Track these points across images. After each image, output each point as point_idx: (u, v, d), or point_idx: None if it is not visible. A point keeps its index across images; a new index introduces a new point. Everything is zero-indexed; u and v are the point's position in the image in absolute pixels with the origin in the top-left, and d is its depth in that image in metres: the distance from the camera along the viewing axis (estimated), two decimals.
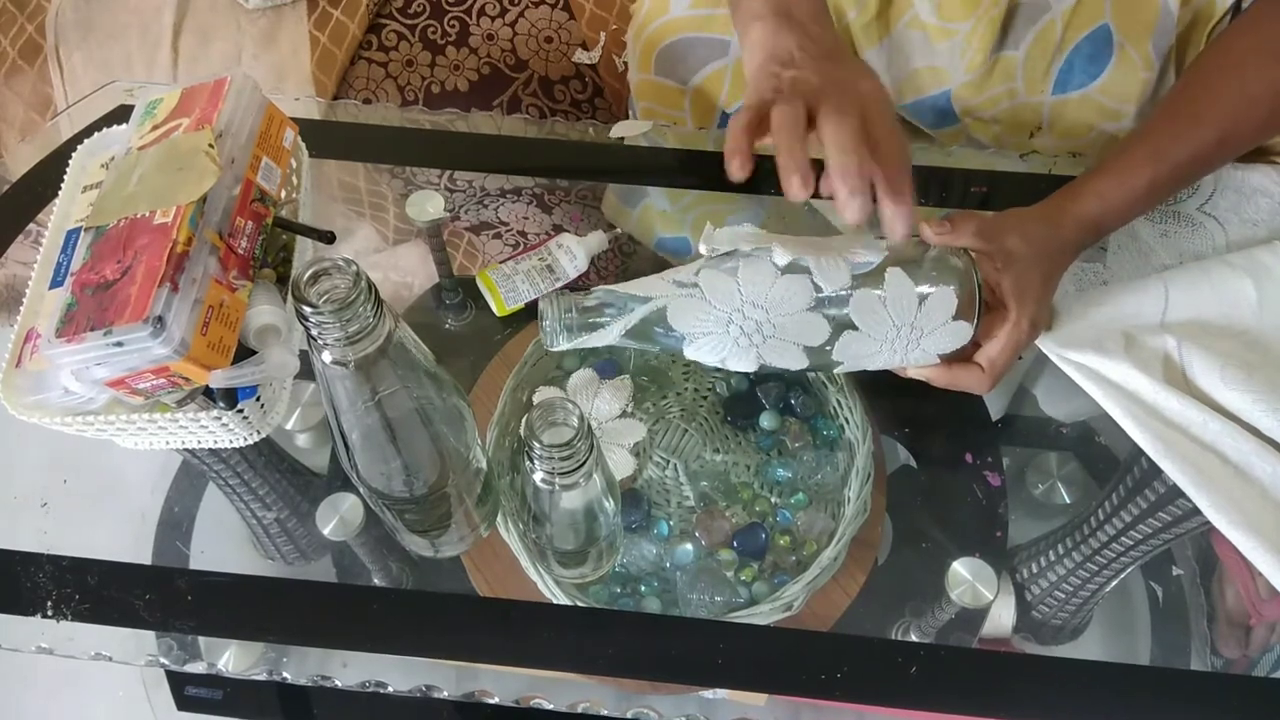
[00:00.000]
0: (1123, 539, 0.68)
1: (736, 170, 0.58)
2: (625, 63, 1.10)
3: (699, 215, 0.85)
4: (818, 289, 0.58)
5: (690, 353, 0.60)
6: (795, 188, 0.55)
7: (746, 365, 0.61)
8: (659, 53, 0.86)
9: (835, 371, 0.64)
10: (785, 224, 0.84)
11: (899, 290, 0.58)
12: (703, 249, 0.73)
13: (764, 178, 0.70)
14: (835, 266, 0.58)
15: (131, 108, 0.69)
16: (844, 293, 0.58)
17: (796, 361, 0.60)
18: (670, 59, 0.86)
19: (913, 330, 0.59)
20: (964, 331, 0.60)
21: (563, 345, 0.60)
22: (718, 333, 0.59)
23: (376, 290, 0.44)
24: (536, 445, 0.50)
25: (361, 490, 0.56)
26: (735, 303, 0.58)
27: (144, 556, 0.71)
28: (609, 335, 0.60)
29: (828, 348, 0.59)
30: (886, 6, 0.82)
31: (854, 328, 0.58)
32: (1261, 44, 0.67)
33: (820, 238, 0.61)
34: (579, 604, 0.62)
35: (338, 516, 0.67)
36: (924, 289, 0.58)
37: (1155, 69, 0.77)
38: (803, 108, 0.56)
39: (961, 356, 0.62)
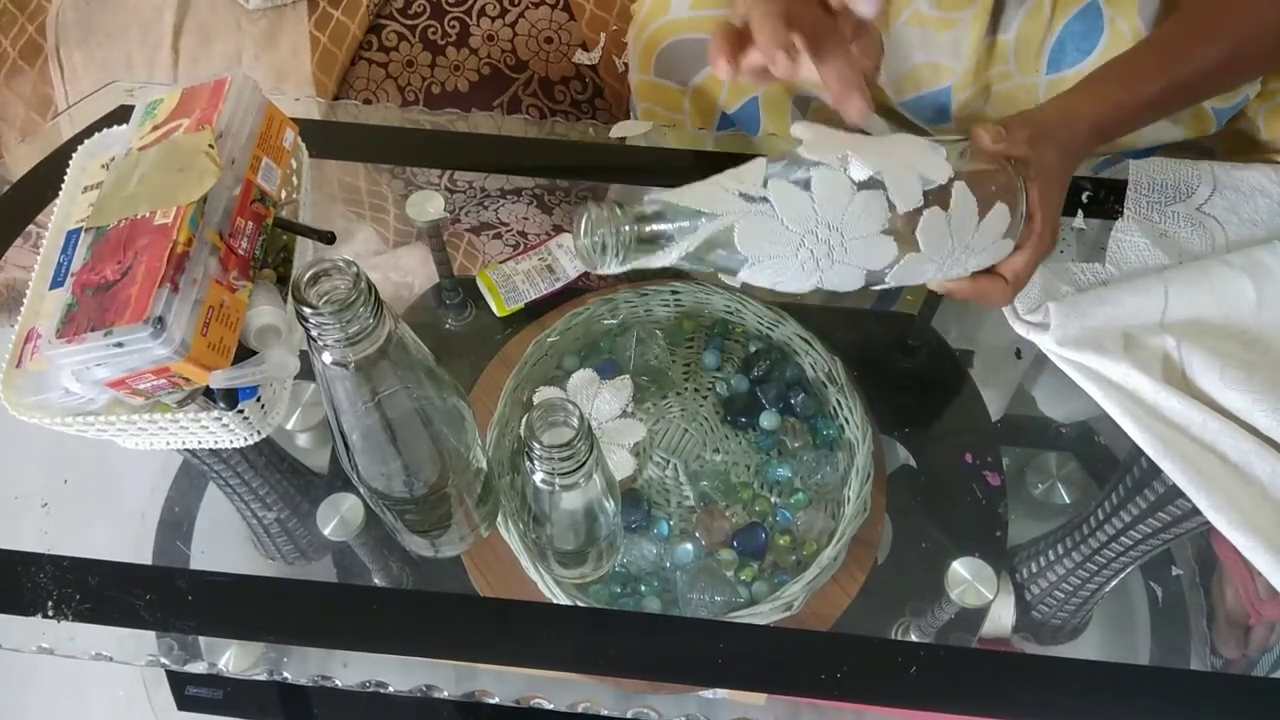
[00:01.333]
0: (1122, 539, 0.68)
1: (724, 67, 0.58)
2: (625, 63, 1.10)
3: None
4: (891, 207, 0.53)
5: (746, 275, 0.54)
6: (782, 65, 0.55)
7: (800, 288, 0.55)
8: (659, 54, 0.86)
9: (872, 289, 0.58)
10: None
11: (964, 209, 0.54)
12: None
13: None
14: (909, 182, 0.53)
15: (132, 108, 0.69)
16: (915, 211, 0.53)
17: (853, 284, 0.55)
18: (670, 60, 0.86)
19: (965, 250, 0.56)
20: (1006, 249, 0.57)
21: (612, 268, 0.53)
22: (785, 255, 0.53)
23: (376, 291, 0.44)
24: (536, 446, 0.50)
25: (362, 490, 0.56)
26: (809, 223, 0.52)
27: (144, 556, 0.71)
28: (668, 256, 0.53)
29: (887, 270, 0.55)
30: (885, 5, 0.82)
31: (917, 249, 0.54)
32: None
33: (884, 140, 0.57)
34: (579, 604, 0.62)
35: (338, 516, 0.67)
36: (983, 207, 0.55)
37: None
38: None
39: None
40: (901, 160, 0.54)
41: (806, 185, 0.52)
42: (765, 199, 0.52)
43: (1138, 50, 0.66)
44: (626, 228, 0.51)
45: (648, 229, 0.52)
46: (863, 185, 0.53)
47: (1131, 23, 0.77)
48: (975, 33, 0.79)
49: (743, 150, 0.86)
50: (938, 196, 0.54)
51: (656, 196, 0.53)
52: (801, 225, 0.52)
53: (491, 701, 0.62)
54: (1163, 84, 0.63)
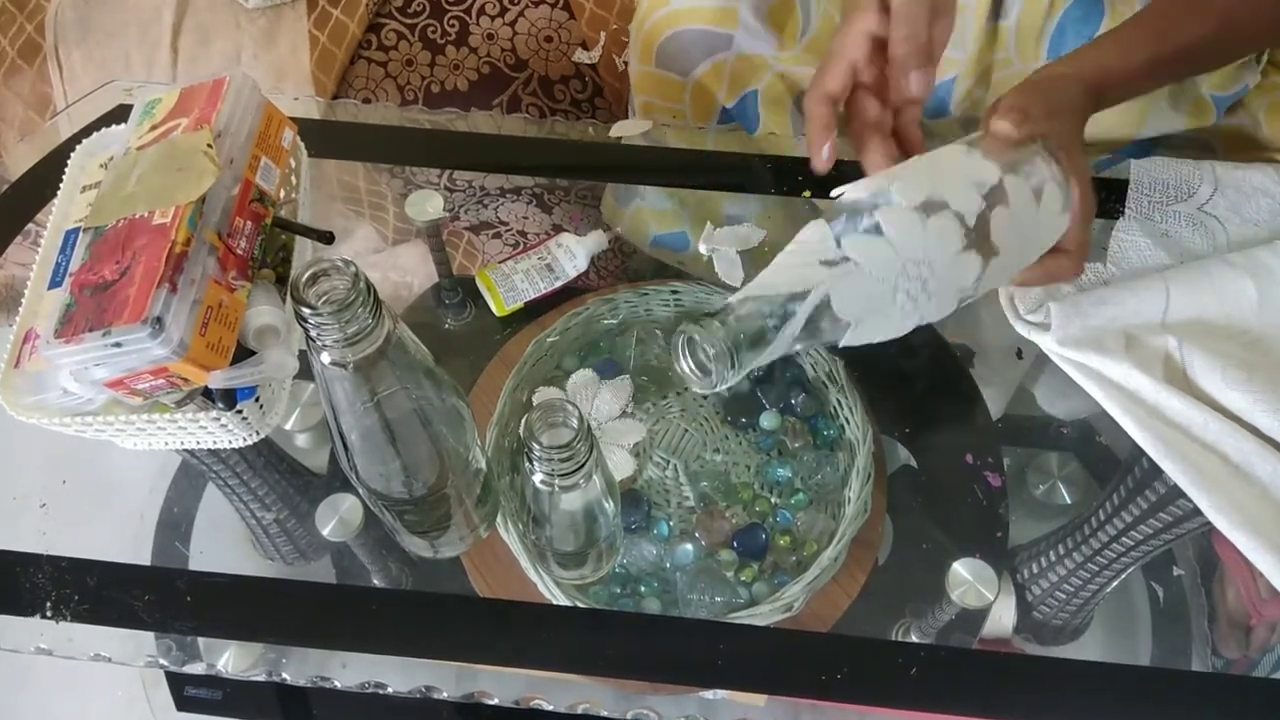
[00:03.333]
0: (1123, 539, 0.68)
1: (824, 161, 0.59)
2: (625, 62, 1.09)
3: (696, 210, 0.85)
4: (961, 222, 0.51)
5: (852, 338, 0.52)
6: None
7: (902, 330, 0.53)
8: (661, 44, 0.86)
9: (964, 304, 0.56)
10: (784, 217, 0.84)
11: (1022, 200, 0.53)
12: (703, 249, 0.72)
13: (760, 176, 0.70)
14: (967, 192, 0.52)
15: (130, 107, 0.69)
16: (983, 217, 0.52)
17: (949, 308, 0.54)
18: (672, 51, 0.86)
19: (1035, 237, 0.55)
20: (1065, 222, 0.56)
21: (729, 379, 0.50)
22: (884, 307, 0.51)
23: (375, 291, 0.43)
24: (536, 447, 0.50)
25: (361, 491, 0.56)
26: (896, 267, 0.50)
27: (143, 557, 0.71)
28: (776, 349, 0.50)
29: (975, 283, 0.53)
30: None
31: (996, 252, 0.53)
32: None
33: (918, 161, 0.56)
34: (579, 605, 0.62)
35: (337, 517, 0.67)
36: (1035, 192, 0.54)
37: None
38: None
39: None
40: (949, 173, 0.53)
41: (877, 230, 0.51)
42: (846, 258, 0.51)
43: (1127, 23, 0.66)
44: (726, 340, 0.49)
45: (747, 332, 0.50)
46: (927, 211, 0.51)
47: (1133, 7, 0.77)
48: (977, 20, 0.79)
49: (744, 149, 0.85)
50: (995, 196, 0.53)
51: (743, 296, 0.51)
52: (890, 271, 0.51)
53: (491, 702, 0.62)
54: (1151, 54, 0.63)
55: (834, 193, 0.54)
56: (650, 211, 0.86)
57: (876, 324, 0.52)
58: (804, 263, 0.51)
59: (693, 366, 0.51)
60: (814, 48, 0.85)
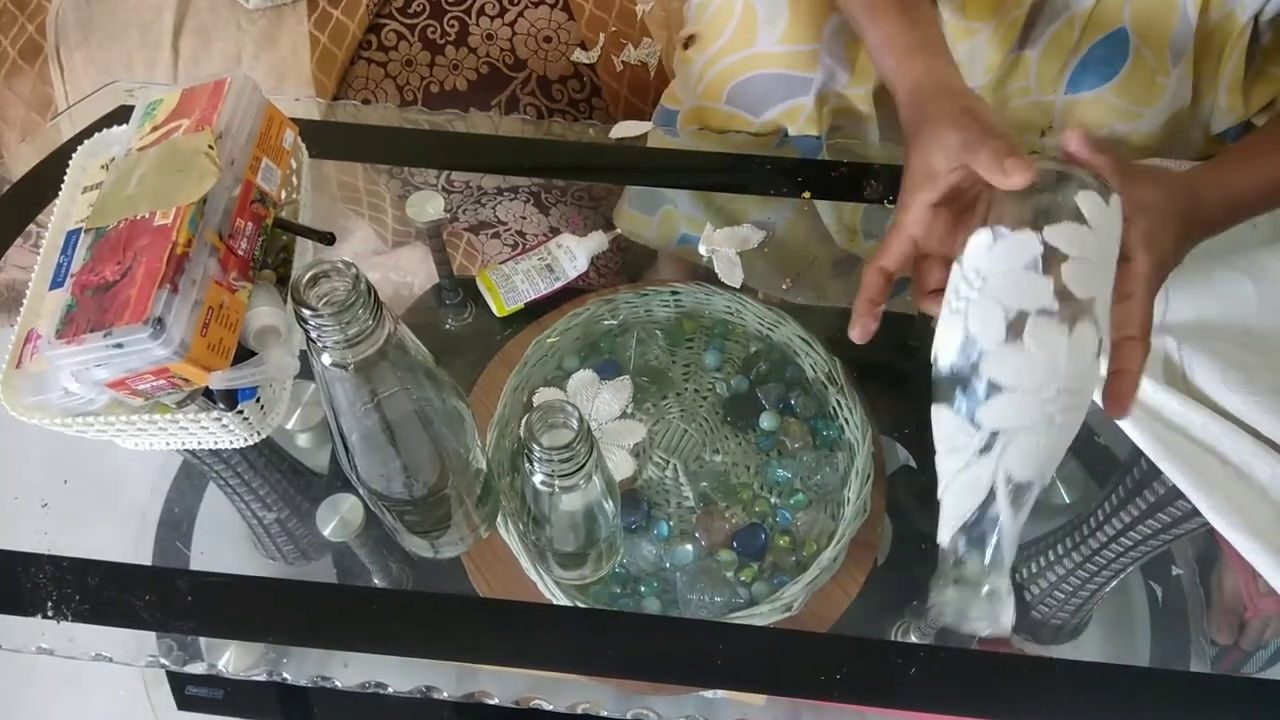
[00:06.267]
0: (1123, 539, 0.68)
1: (859, 335, 0.57)
2: (624, 62, 1.09)
3: (724, 215, 0.84)
4: (1047, 314, 0.48)
5: (1047, 477, 0.49)
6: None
7: (1078, 425, 0.50)
8: (736, 86, 0.82)
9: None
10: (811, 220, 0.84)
11: (1072, 237, 0.49)
12: (703, 250, 0.72)
13: (759, 176, 0.70)
14: (1026, 283, 0.49)
15: (132, 108, 0.69)
16: (1058, 287, 0.48)
17: (1099, 373, 0.51)
18: (749, 93, 0.83)
19: (1106, 254, 0.51)
20: (1118, 220, 0.52)
21: (1011, 607, 0.49)
22: (1052, 440, 0.49)
23: (376, 293, 0.44)
24: (536, 448, 0.50)
25: (361, 491, 0.56)
26: (1035, 407, 0.48)
27: (144, 557, 0.71)
28: (1011, 546, 0.49)
29: (1100, 341, 0.49)
30: None
31: (1091, 297, 0.49)
32: None
33: (955, 280, 0.53)
34: (579, 605, 0.62)
35: (338, 517, 0.67)
36: (1075, 214, 0.50)
37: (1172, 74, 0.77)
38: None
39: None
40: (1000, 281, 0.50)
41: (997, 387, 0.48)
42: (994, 433, 0.49)
43: (1268, 129, 0.63)
44: (977, 588, 0.48)
45: (979, 566, 0.49)
46: (1016, 332, 0.48)
47: (1160, 56, 0.75)
48: (998, 49, 0.78)
49: (736, 150, 0.85)
50: (1051, 258, 0.49)
51: (947, 539, 0.50)
52: (1034, 417, 0.48)
53: (491, 702, 0.62)
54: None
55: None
56: (679, 214, 0.86)
57: (1054, 453, 0.49)
58: (963, 464, 0.50)
59: (963, 626, 0.49)
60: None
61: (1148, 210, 0.53)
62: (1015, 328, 0.48)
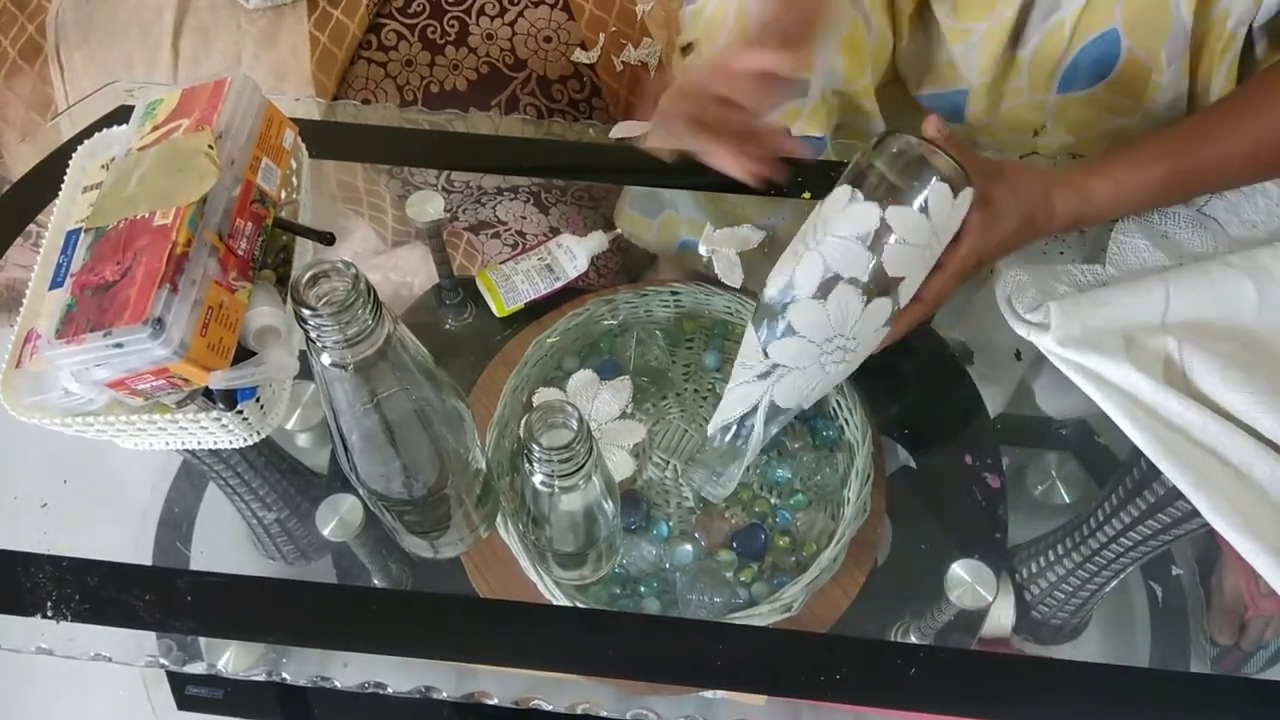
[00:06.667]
0: (1122, 539, 0.68)
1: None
2: (624, 63, 1.09)
3: (726, 218, 0.84)
4: (856, 284, 0.58)
5: (802, 408, 0.63)
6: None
7: (842, 378, 0.63)
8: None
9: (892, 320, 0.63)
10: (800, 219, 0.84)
11: (909, 223, 0.58)
12: (702, 250, 0.72)
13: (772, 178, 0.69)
14: (852, 254, 0.58)
15: (132, 108, 0.69)
16: (875, 266, 0.58)
17: (876, 341, 0.62)
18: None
19: (937, 237, 0.59)
20: (960, 212, 0.60)
21: (730, 488, 0.65)
22: (818, 382, 0.61)
23: (375, 293, 0.44)
24: (535, 448, 0.50)
25: (361, 491, 0.56)
26: (814, 352, 0.60)
27: (144, 557, 0.71)
28: (753, 452, 0.64)
29: (893, 312, 0.60)
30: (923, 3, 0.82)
31: (901, 278, 0.59)
32: None
33: (812, 223, 0.61)
34: (579, 605, 0.62)
35: (338, 517, 0.67)
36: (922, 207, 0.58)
37: (1166, 73, 0.77)
38: None
39: None
40: (835, 246, 0.58)
41: (792, 330, 0.59)
42: (775, 365, 0.60)
43: (1152, 135, 0.67)
44: (716, 467, 0.64)
45: (725, 454, 0.64)
46: (825, 292, 0.58)
47: (1154, 55, 0.76)
48: (991, 50, 0.79)
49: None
50: (881, 235, 0.58)
51: (713, 429, 0.64)
52: (811, 358, 0.60)
53: (491, 703, 0.62)
54: (1165, 170, 0.65)
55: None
56: (680, 219, 0.86)
57: (816, 391, 0.62)
58: (746, 380, 0.62)
59: (696, 489, 0.67)
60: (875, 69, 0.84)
61: (989, 204, 0.61)
62: (825, 287, 0.58)
